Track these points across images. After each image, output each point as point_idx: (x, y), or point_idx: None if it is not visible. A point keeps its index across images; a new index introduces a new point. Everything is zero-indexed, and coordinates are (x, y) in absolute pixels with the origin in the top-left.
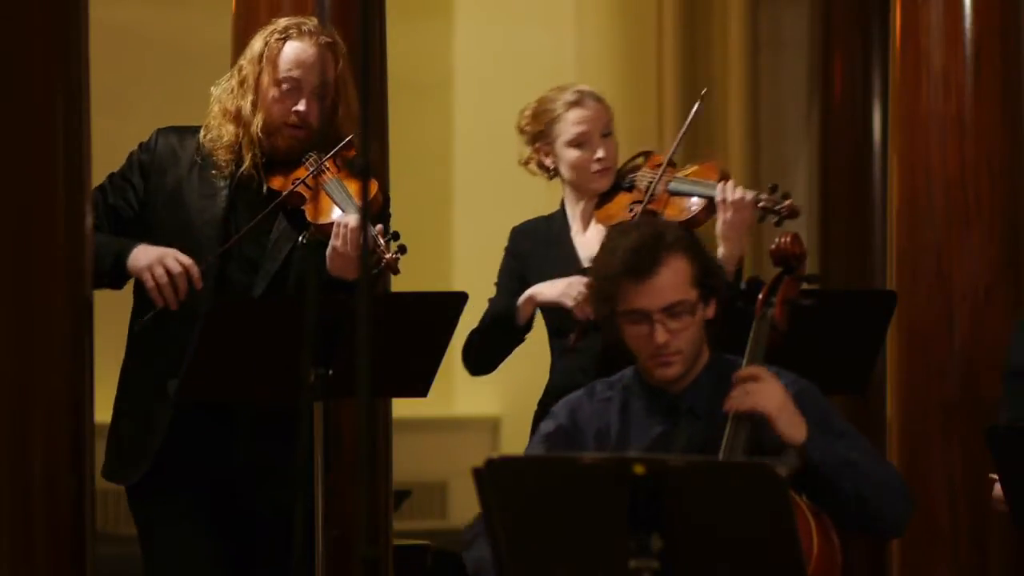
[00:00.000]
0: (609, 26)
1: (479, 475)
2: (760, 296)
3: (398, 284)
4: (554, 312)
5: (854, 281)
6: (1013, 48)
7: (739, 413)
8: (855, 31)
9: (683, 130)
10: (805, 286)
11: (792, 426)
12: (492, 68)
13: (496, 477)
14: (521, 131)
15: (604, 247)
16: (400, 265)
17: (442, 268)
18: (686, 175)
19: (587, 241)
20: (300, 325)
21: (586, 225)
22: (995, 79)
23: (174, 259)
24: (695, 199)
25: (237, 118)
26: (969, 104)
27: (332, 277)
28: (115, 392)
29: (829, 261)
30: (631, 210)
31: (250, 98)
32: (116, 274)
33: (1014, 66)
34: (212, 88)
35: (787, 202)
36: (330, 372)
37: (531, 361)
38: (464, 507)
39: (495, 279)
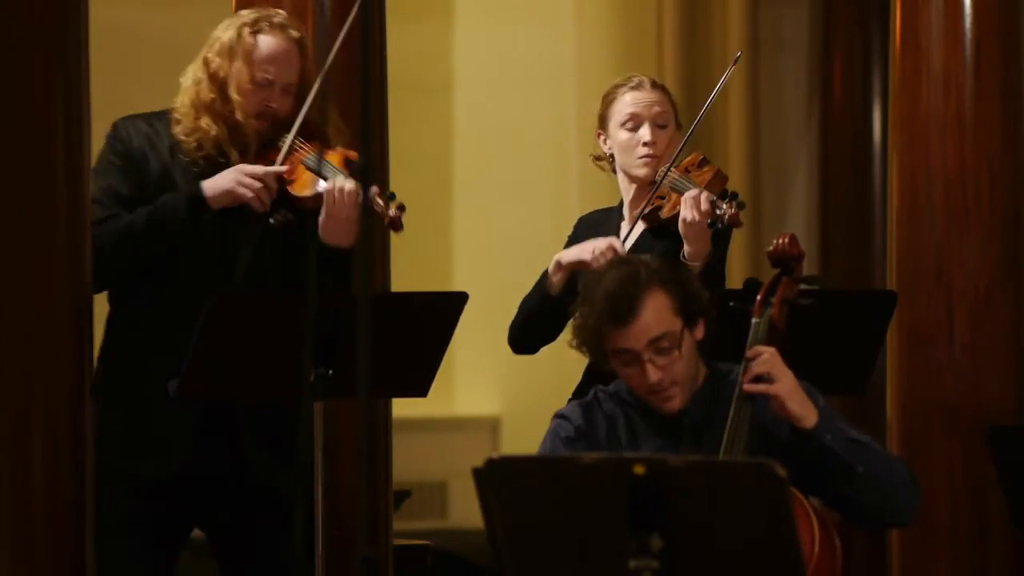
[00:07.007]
0: (609, 26)
1: (479, 475)
2: (759, 297)
3: (398, 284)
4: None
5: (854, 281)
6: (1013, 48)
7: (751, 393)
8: (855, 31)
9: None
10: (804, 287)
11: (804, 407)
12: (492, 68)
13: (496, 477)
14: (598, 119)
15: (582, 295)
16: (403, 222)
17: (442, 268)
18: (693, 176)
19: (632, 235)
20: (301, 324)
21: (634, 220)
22: (995, 79)
23: (249, 169)
24: None
25: (211, 111)
26: (969, 104)
27: (328, 248)
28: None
29: (829, 261)
30: (644, 209)
31: (223, 90)
32: (196, 215)
33: (1014, 66)
34: (180, 79)
35: (727, 211)
36: (330, 372)
37: (531, 362)
38: (464, 507)
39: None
